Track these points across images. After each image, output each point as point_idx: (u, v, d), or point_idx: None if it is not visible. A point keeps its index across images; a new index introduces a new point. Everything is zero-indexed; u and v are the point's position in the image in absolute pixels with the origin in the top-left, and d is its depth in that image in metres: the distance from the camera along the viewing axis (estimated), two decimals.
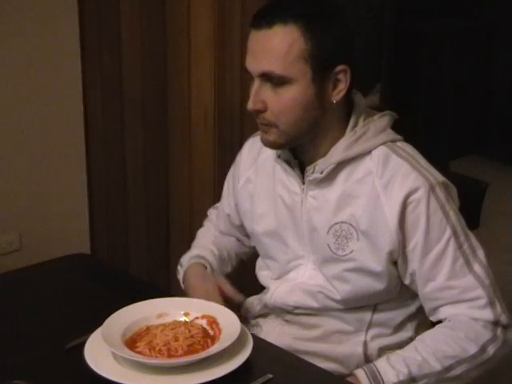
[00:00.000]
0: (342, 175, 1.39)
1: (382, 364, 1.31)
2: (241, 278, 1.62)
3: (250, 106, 1.35)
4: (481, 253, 1.36)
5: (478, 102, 5.02)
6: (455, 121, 4.79)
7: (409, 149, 1.40)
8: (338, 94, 1.36)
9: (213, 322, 1.32)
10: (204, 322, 1.33)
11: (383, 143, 1.38)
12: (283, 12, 1.32)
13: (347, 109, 1.40)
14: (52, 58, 2.54)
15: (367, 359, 1.43)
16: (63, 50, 2.57)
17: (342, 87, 1.35)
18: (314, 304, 1.44)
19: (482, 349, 1.31)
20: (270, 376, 1.21)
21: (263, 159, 1.52)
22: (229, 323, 1.31)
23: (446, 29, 4.67)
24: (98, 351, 1.24)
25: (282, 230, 1.48)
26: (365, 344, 1.43)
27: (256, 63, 1.34)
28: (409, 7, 4.37)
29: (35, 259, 1.73)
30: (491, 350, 1.32)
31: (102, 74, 2.67)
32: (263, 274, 1.56)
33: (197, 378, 1.19)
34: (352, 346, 1.43)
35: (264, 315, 1.53)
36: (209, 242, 1.64)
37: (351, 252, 1.38)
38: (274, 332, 1.48)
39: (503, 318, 1.33)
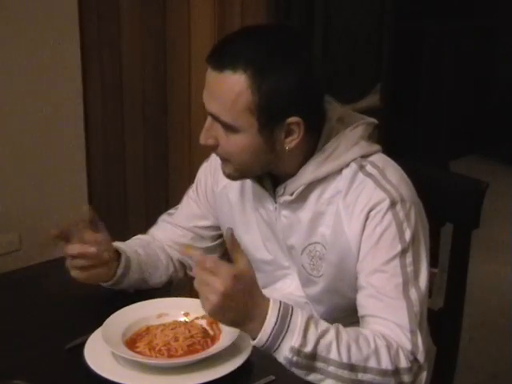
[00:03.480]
0: (314, 195, 1.35)
1: (297, 320, 1.19)
2: None
3: (202, 141, 1.32)
4: (423, 280, 1.28)
5: (478, 102, 5.02)
6: (455, 121, 4.79)
7: (381, 162, 1.34)
8: (290, 143, 1.30)
9: (212, 322, 1.32)
10: (204, 322, 1.33)
11: (354, 159, 1.33)
12: (234, 57, 1.24)
13: (319, 128, 1.35)
14: (52, 57, 2.54)
15: None
16: (63, 50, 2.57)
17: (295, 137, 1.29)
18: None
19: (396, 371, 1.20)
20: (273, 377, 1.21)
21: None
22: None
23: (446, 29, 4.66)
24: (98, 351, 1.24)
25: (266, 241, 1.45)
26: None
27: (207, 102, 1.30)
28: (409, 7, 4.36)
29: (35, 259, 1.73)
30: (403, 378, 1.21)
31: (102, 74, 2.67)
32: None
33: (197, 378, 1.19)
34: None
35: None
36: (138, 243, 1.57)
37: (324, 273, 1.36)
38: None
39: (420, 356, 1.23)
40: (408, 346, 1.22)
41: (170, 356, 1.23)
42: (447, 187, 1.56)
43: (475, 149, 4.95)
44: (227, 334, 1.27)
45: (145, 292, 1.52)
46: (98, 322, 1.29)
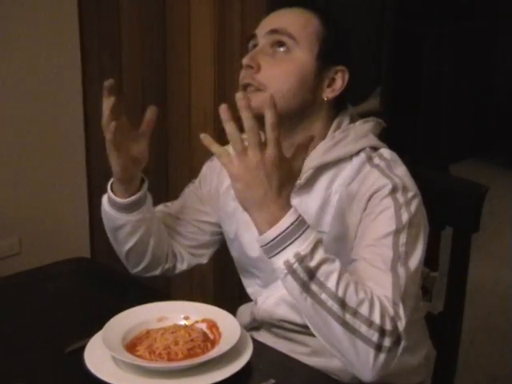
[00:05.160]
0: (323, 182, 1.36)
1: (311, 235, 1.16)
2: (232, 286, 1.61)
3: (246, 61, 1.34)
4: (414, 263, 1.27)
5: (478, 105, 5.02)
6: (455, 124, 4.79)
7: (388, 155, 1.36)
8: (331, 93, 1.36)
9: (213, 325, 1.32)
10: (204, 326, 1.33)
11: (362, 149, 1.35)
12: (304, 3, 1.38)
13: (335, 113, 1.39)
14: (52, 57, 2.54)
15: None
16: (63, 50, 2.57)
17: (337, 87, 1.37)
18: (298, 319, 1.40)
19: (382, 329, 1.16)
20: (273, 381, 1.21)
21: None
22: (229, 327, 1.30)
23: (446, 30, 4.66)
24: (98, 355, 1.24)
25: None
26: None
27: (268, 24, 1.36)
28: (409, 9, 4.36)
29: (35, 263, 1.73)
30: (384, 339, 1.16)
31: (102, 74, 2.67)
32: (251, 290, 1.54)
33: (197, 381, 1.19)
34: None
35: (256, 328, 1.52)
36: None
37: None
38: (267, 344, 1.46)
39: (400, 325, 1.18)
40: (391, 312, 1.19)
41: (170, 360, 1.23)
42: (447, 191, 1.56)
43: (475, 152, 4.95)
44: (227, 338, 1.27)
45: (145, 296, 1.52)
46: (98, 326, 1.29)
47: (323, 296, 1.15)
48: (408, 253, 1.27)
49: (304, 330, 1.41)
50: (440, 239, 1.56)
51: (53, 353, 1.30)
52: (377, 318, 1.16)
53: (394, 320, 1.18)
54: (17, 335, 1.38)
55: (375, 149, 1.37)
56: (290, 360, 1.32)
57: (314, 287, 1.15)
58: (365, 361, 1.17)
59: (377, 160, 1.35)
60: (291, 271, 1.15)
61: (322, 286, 1.15)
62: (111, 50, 2.64)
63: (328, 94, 1.36)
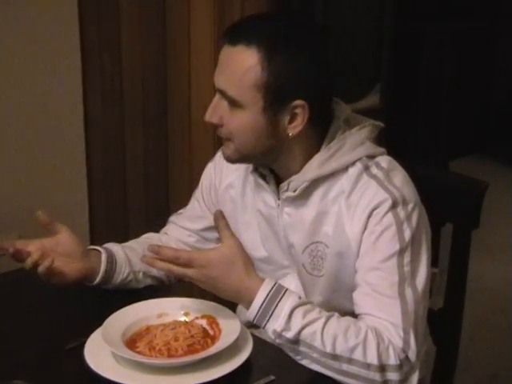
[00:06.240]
0: (318, 193, 1.35)
1: (285, 306, 1.22)
2: None
3: (207, 117, 1.33)
4: (421, 281, 1.28)
5: (478, 102, 5.02)
6: (455, 121, 4.79)
7: (386, 164, 1.34)
8: (294, 129, 1.30)
9: (213, 321, 1.32)
10: (204, 322, 1.33)
11: (359, 159, 1.33)
12: (249, 32, 1.28)
13: (325, 123, 1.35)
14: (52, 58, 2.53)
15: None
16: (63, 50, 2.57)
17: (299, 122, 1.30)
18: None
19: (382, 368, 1.19)
20: (272, 377, 1.21)
21: (248, 166, 1.46)
22: (229, 323, 1.31)
23: (446, 29, 4.66)
24: (98, 351, 1.24)
25: (265, 240, 1.45)
26: None
27: (217, 77, 1.32)
28: (409, 7, 4.37)
29: None
30: (390, 375, 1.19)
31: (102, 74, 2.67)
32: None
33: (197, 377, 1.19)
34: None
35: (256, 326, 1.52)
36: (133, 241, 1.60)
37: (326, 273, 1.36)
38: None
39: (411, 354, 1.21)
40: (399, 343, 1.21)
41: (170, 356, 1.23)
42: (447, 187, 1.56)
43: (475, 149, 4.95)
44: (227, 334, 1.27)
45: (145, 292, 1.52)
46: (98, 322, 1.29)
47: (315, 355, 1.21)
48: (413, 272, 1.27)
49: None
50: (440, 235, 1.56)
51: (53, 350, 1.30)
52: (373, 359, 1.19)
53: (404, 351, 1.21)
54: (16, 332, 1.38)
55: (372, 157, 1.35)
56: (289, 356, 1.32)
57: (303, 349, 1.22)
58: None
59: (374, 170, 1.32)
60: (278, 342, 1.24)
61: (310, 347, 1.21)
62: (111, 50, 2.64)
63: (292, 130, 1.31)
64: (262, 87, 1.27)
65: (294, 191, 1.35)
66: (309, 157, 1.34)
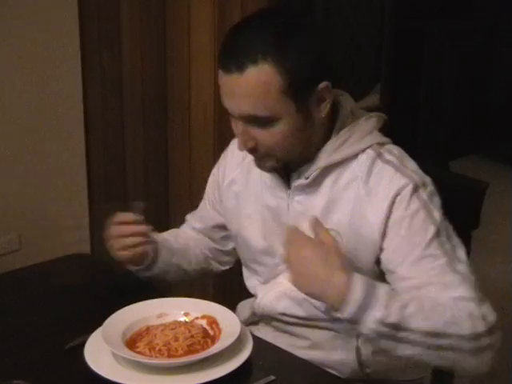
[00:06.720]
0: (329, 181, 1.36)
1: (380, 289, 1.18)
2: (232, 282, 1.61)
3: (241, 147, 1.31)
4: (462, 253, 1.29)
5: (478, 102, 5.03)
6: (455, 121, 4.80)
7: (396, 151, 1.36)
8: (325, 108, 1.32)
9: (213, 321, 1.33)
10: (204, 322, 1.33)
11: (369, 146, 1.35)
12: (251, 51, 1.23)
13: (333, 112, 1.37)
14: (52, 58, 2.54)
15: (361, 365, 1.41)
16: (63, 50, 2.57)
17: (328, 101, 1.32)
18: (301, 312, 1.41)
19: (476, 336, 1.19)
20: (273, 377, 1.21)
21: (251, 161, 1.45)
22: (229, 323, 1.31)
23: (446, 29, 4.67)
24: (98, 351, 1.24)
25: (268, 234, 1.45)
26: (357, 350, 1.40)
27: (236, 106, 1.28)
28: (409, 7, 4.37)
29: (35, 259, 1.73)
30: (485, 341, 1.19)
31: (102, 74, 2.67)
32: (250, 283, 1.54)
33: (197, 378, 1.18)
34: (345, 353, 1.41)
35: (255, 323, 1.52)
36: (167, 233, 1.63)
37: None
38: (267, 339, 1.46)
39: (493, 318, 1.22)
40: (478, 313, 1.21)
41: (170, 356, 1.23)
42: (447, 187, 1.56)
43: (475, 149, 4.96)
44: (227, 334, 1.27)
45: (145, 292, 1.52)
46: (98, 322, 1.29)
47: (414, 337, 1.17)
48: (454, 246, 1.29)
49: (305, 322, 1.41)
50: None
51: (53, 349, 1.30)
52: (467, 330, 1.18)
53: (484, 318, 1.21)
54: (17, 332, 1.38)
55: (382, 144, 1.37)
56: (290, 356, 1.32)
57: (402, 334, 1.16)
58: (474, 367, 1.21)
59: (387, 156, 1.34)
60: (379, 333, 1.16)
61: (409, 329, 1.17)
62: (111, 49, 2.64)
63: (323, 111, 1.32)
64: (289, 90, 1.25)
65: (306, 179, 1.36)
66: (320, 146, 1.36)
